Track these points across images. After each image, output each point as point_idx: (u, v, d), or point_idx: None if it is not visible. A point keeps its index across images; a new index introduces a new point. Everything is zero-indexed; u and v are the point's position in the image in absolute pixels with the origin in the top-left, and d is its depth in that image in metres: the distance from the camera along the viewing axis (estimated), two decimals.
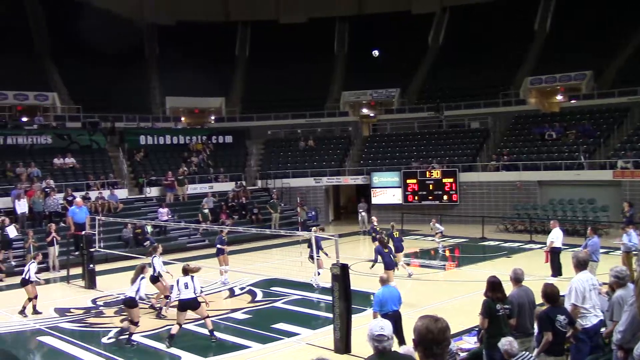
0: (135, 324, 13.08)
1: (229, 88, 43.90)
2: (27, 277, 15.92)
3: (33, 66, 38.17)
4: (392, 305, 10.78)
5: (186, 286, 12.76)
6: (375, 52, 30.13)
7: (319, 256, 17.13)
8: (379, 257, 16.59)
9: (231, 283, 18.82)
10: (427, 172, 32.23)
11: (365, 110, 42.72)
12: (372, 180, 33.51)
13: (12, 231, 22.59)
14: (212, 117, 42.34)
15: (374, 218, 23.72)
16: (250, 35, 47.96)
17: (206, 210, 28.49)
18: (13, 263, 22.44)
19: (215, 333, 13.11)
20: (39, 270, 17.34)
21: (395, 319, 10.08)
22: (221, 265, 18.98)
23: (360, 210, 30.99)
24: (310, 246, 17.60)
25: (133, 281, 13.41)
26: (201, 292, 13.61)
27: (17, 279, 21.15)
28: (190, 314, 13.05)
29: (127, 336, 13.06)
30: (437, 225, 24.16)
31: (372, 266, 18.75)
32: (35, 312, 15.90)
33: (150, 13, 44.98)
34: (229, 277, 19.05)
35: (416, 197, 32.44)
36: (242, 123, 39.88)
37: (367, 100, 42.08)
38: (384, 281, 11.21)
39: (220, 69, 43.36)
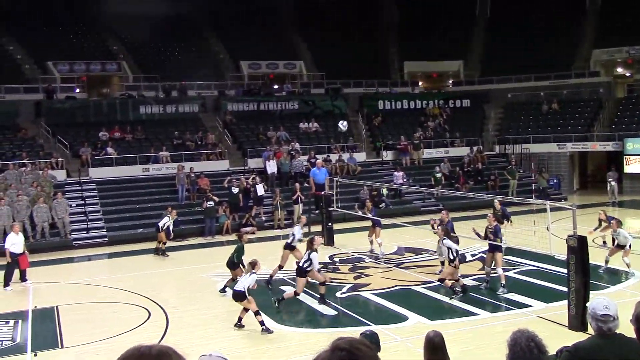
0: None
1: (468, 51, 42.70)
2: (290, 242, 16.30)
3: (282, 37, 41.05)
4: None
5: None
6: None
7: None
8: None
9: (463, 249, 18.58)
10: None
11: (620, 70, 38.65)
12: (625, 146, 30.38)
13: (260, 189, 24.79)
14: (450, 81, 41.73)
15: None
16: None
17: (439, 175, 28.36)
18: (263, 218, 24.73)
19: (443, 298, 13.14)
20: None
21: None
22: (377, 237, 18.67)
23: (610, 180, 28.36)
24: None
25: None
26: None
27: (267, 233, 23.49)
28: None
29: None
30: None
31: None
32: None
33: None
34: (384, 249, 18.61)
35: None
36: (480, 86, 38.70)
37: (622, 58, 37.96)
38: None
39: (458, 32, 42.30)
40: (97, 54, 36.11)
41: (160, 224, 19.97)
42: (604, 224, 17.67)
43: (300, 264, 13.57)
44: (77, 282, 17.30)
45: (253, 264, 11.94)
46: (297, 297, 13.41)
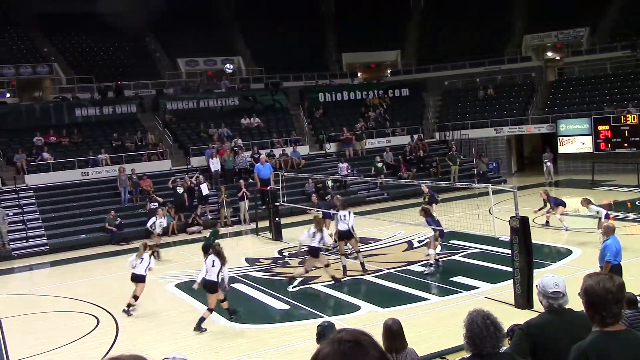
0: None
1: (404, 40, 43.30)
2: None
3: (219, 33, 40.59)
4: (620, 256, 10.20)
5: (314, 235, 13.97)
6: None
7: None
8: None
9: (409, 236, 18.90)
10: (622, 117, 29.49)
11: (550, 54, 39.92)
12: (558, 128, 31.43)
13: (204, 189, 24.53)
14: (388, 71, 42.20)
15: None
16: None
17: (380, 164, 28.70)
18: (209, 217, 24.49)
19: (393, 285, 13.33)
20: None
21: (619, 271, 9.56)
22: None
23: (546, 161, 29.29)
24: None
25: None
26: None
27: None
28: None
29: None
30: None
31: None
32: None
33: None
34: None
35: (609, 145, 29.88)
36: (418, 75, 39.31)
37: (552, 43, 39.22)
38: (611, 230, 10.51)
39: (394, 21, 42.85)
40: (27, 56, 34.86)
41: (149, 224, 19.66)
42: (548, 205, 18.39)
43: (315, 244, 14.05)
44: (19, 293, 16.73)
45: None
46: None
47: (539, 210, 18.90)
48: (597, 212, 16.30)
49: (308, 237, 14.22)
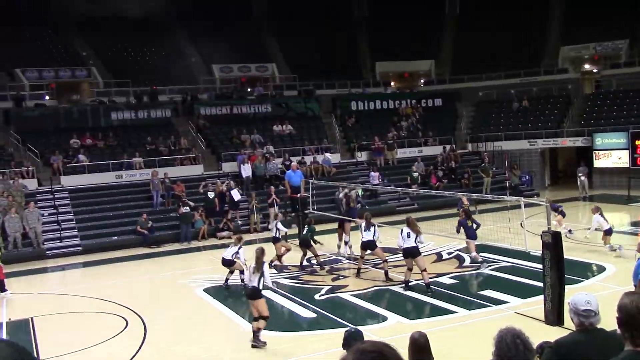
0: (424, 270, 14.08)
1: (439, 50, 43.13)
2: (277, 236, 17.85)
3: (254, 40, 40.95)
4: None
5: (408, 235, 14.06)
6: None
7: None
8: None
9: (439, 247, 18.74)
10: None
11: (587, 66, 39.29)
12: (594, 142, 30.88)
13: (235, 194, 24.68)
14: (422, 80, 42.03)
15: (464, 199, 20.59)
16: None
17: (415, 174, 28.58)
18: (239, 222, 24.63)
19: (421, 297, 13.23)
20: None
21: None
22: (347, 234, 18.97)
23: (580, 175, 28.82)
24: None
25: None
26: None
27: (243, 237, 23.37)
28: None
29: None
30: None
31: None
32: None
33: None
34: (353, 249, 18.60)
35: None
36: (451, 85, 39.08)
37: (589, 55, 38.64)
38: None
39: (429, 31, 42.75)
40: (66, 59, 35.63)
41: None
42: (555, 214, 18.15)
43: (367, 239, 15.44)
44: (51, 292, 17.04)
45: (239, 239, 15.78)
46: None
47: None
48: (599, 224, 16.05)
49: (401, 239, 14.18)
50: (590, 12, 37.77)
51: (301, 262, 17.44)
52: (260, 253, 11.50)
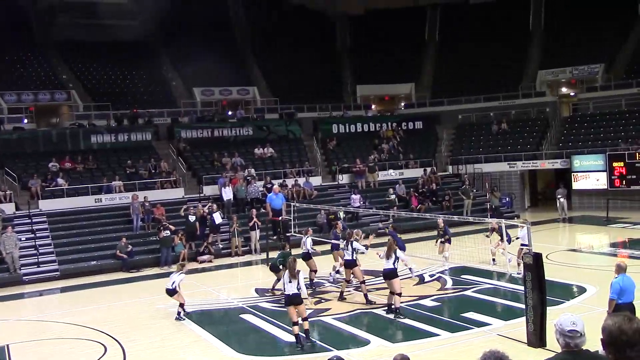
0: (399, 294, 13.84)
1: (419, 73, 43.57)
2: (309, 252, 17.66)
3: (235, 63, 41.03)
4: (631, 295, 9.98)
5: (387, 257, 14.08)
6: None
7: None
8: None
9: (420, 270, 18.71)
10: (637, 154, 29.29)
11: (564, 89, 39.95)
12: (572, 164, 31.26)
13: (217, 217, 24.51)
14: (402, 104, 42.38)
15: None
16: (440, 18, 47.06)
17: (392, 197, 28.65)
18: (220, 246, 24.45)
19: (404, 320, 13.17)
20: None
21: (630, 310, 9.33)
22: (336, 261, 18.43)
23: (559, 196, 29.12)
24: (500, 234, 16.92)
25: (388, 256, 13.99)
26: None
27: (224, 261, 23.25)
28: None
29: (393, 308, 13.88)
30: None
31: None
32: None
33: (341, 4, 46.08)
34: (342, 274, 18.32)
35: (624, 182, 29.64)
36: (432, 108, 39.42)
37: (566, 79, 39.30)
38: (621, 269, 10.31)
39: (409, 55, 43.24)
40: (45, 82, 35.39)
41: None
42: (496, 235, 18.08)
43: (350, 258, 15.48)
44: (28, 318, 16.70)
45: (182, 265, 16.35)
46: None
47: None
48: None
49: (383, 259, 14.16)
50: (567, 38, 38.49)
51: (273, 287, 16.97)
52: (293, 261, 12.52)
